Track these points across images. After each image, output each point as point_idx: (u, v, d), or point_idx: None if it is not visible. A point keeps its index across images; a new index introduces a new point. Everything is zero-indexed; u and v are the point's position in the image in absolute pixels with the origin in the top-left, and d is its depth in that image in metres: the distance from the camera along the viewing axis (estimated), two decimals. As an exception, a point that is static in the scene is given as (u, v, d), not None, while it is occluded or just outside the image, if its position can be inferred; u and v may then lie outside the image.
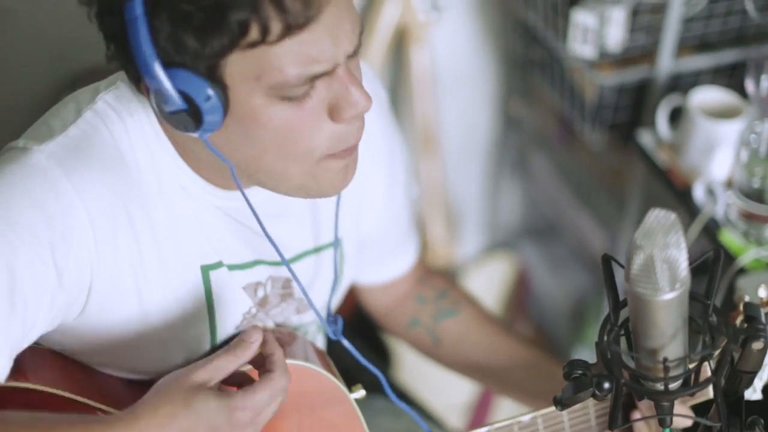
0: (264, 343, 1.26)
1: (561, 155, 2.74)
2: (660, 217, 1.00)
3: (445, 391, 2.39)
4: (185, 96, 1.11)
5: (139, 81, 1.17)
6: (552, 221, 2.97)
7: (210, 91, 1.11)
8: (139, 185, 1.23)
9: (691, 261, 1.01)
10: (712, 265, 1.08)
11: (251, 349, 1.25)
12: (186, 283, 1.30)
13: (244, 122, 1.15)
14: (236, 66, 1.11)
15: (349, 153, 1.24)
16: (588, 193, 2.64)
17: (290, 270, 1.32)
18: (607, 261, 1.10)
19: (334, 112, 1.17)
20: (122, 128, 1.23)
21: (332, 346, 1.63)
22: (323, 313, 1.50)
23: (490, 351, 1.63)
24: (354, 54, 1.18)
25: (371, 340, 2.38)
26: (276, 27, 1.07)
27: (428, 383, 2.35)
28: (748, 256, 1.79)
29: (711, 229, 1.87)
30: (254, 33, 1.08)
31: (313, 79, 1.13)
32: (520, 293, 3.03)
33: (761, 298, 1.28)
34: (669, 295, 1.00)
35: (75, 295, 1.20)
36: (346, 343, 1.44)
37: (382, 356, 2.51)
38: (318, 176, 1.22)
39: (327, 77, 1.15)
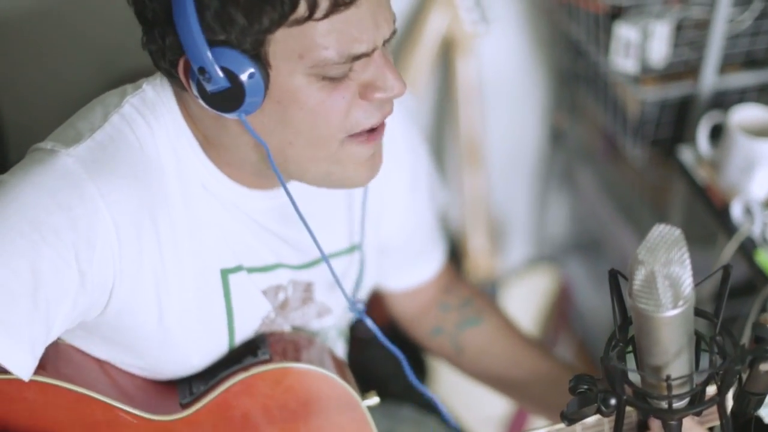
0: None
1: (606, 170, 2.72)
2: (664, 233, 0.99)
3: (481, 404, 2.38)
4: (228, 74, 1.13)
5: (175, 67, 1.18)
6: (596, 236, 2.95)
7: (253, 69, 1.13)
8: (164, 190, 1.24)
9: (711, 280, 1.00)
10: (721, 283, 1.06)
11: None
12: (205, 287, 1.31)
13: (282, 103, 1.17)
14: (280, 44, 1.13)
15: (373, 137, 1.25)
16: (631, 209, 2.62)
17: (328, 263, 1.34)
18: (614, 276, 1.09)
19: (367, 92, 1.20)
20: (148, 132, 1.24)
21: (354, 355, 1.63)
22: (346, 306, 1.51)
23: (512, 362, 1.63)
24: (389, 39, 1.20)
25: (406, 351, 2.37)
26: (324, 2, 1.10)
27: (465, 396, 2.34)
28: (782, 277, 1.77)
29: (747, 248, 1.84)
30: (302, 9, 1.10)
31: (354, 59, 1.16)
32: (563, 307, 3.01)
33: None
34: (671, 312, 0.99)
35: (97, 297, 1.21)
36: (369, 322, 1.45)
37: (418, 369, 2.50)
38: (344, 162, 1.24)
39: (365, 59, 1.17)
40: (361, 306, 1.49)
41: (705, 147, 2.04)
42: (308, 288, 1.45)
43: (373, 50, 1.17)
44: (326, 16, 1.11)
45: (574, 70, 2.54)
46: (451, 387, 2.44)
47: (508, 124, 2.76)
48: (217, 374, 1.35)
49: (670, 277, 0.97)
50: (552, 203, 2.98)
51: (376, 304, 1.69)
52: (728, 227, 1.90)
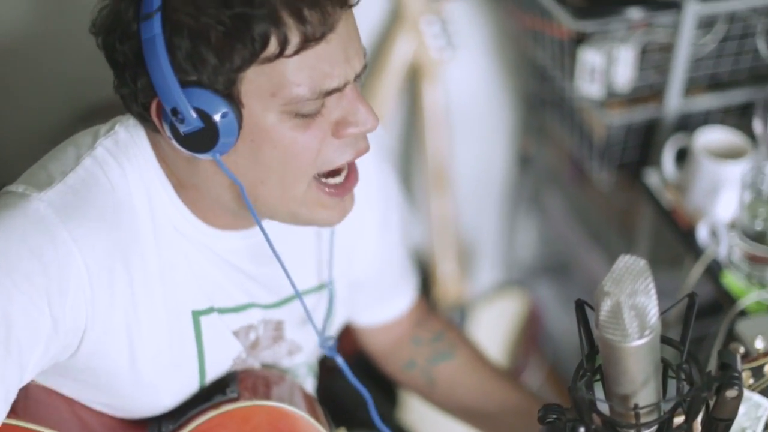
0: None
1: (573, 194, 2.73)
2: (629, 264, 0.99)
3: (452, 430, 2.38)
4: (202, 114, 1.13)
5: (147, 110, 1.18)
6: (565, 259, 2.96)
7: (226, 109, 1.13)
8: (136, 232, 1.23)
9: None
10: (686, 310, 1.07)
11: None
12: (176, 329, 1.31)
13: (255, 141, 1.17)
14: (252, 83, 1.13)
15: (341, 192, 1.26)
16: (599, 232, 2.63)
17: (302, 300, 1.34)
18: (581, 306, 1.09)
19: (339, 128, 1.20)
20: (120, 174, 1.23)
21: (325, 384, 1.63)
22: (316, 342, 1.50)
23: (483, 395, 1.63)
24: (360, 74, 1.20)
25: (377, 380, 2.37)
26: (294, 39, 1.11)
27: (436, 424, 2.34)
28: (749, 298, 1.78)
29: (714, 270, 1.85)
30: (273, 46, 1.11)
31: (326, 95, 1.16)
32: (532, 330, 3.01)
33: (758, 350, 1.27)
34: (638, 342, 0.99)
35: (69, 340, 1.20)
36: (339, 360, 1.45)
37: (389, 396, 2.50)
38: (310, 205, 1.25)
39: (337, 94, 1.18)
40: (331, 343, 1.48)
41: (671, 170, 2.05)
42: (279, 326, 1.44)
43: (345, 85, 1.17)
44: (297, 52, 1.11)
45: (541, 95, 2.56)
46: (423, 415, 2.44)
47: (475, 150, 2.77)
48: (187, 413, 1.34)
49: (636, 307, 0.97)
50: (520, 227, 2.99)
51: (344, 335, 1.69)
52: (694, 250, 1.91)
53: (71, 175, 1.21)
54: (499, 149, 2.84)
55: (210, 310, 1.33)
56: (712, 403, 1.08)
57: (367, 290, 1.61)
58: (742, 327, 1.68)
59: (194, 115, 1.13)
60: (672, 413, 1.08)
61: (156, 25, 1.10)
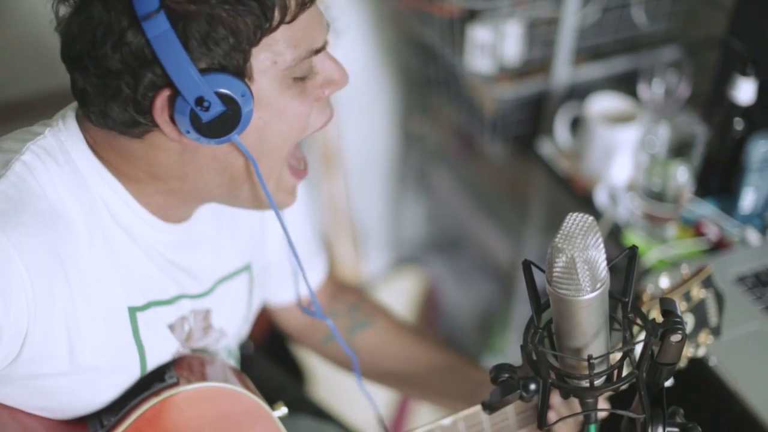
0: None
1: (462, 169, 2.78)
2: (578, 221, 1.03)
3: (361, 404, 2.40)
4: (224, 98, 1.13)
5: (147, 113, 1.16)
6: (456, 234, 3.01)
7: (244, 87, 1.14)
8: (70, 234, 1.22)
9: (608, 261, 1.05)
10: (628, 263, 1.11)
11: None
12: (114, 327, 1.29)
13: (262, 118, 1.19)
14: (258, 57, 1.15)
15: (302, 174, 1.32)
16: (490, 204, 2.69)
17: (250, 273, 1.34)
18: (528, 266, 1.12)
19: (324, 87, 1.24)
20: (49, 179, 1.21)
21: (244, 369, 1.65)
22: (239, 327, 1.53)
23: (406, 359, 1.66)
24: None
25: (285, 358, 2.39)
26: (292, 4, 1.14)
27: (344, 398, 2.36)
28: (652, 256, 1.85)
29: (614, 232, 1.92)
30: (276, 14, 1.13)
31: (315, 53, 1.20)
32: (429, 307, 3.05)
33: (662, 289, 1.34)
34: (591, 295, 1.03)
35: (11, 347, 1.18)
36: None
37: (296, 374, 2.52)
38: (278, 185, 1.28)
39: (320, 55, 1.22)
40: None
41: (565, 138, 2.11)
42: (207, 316, 1.45)
43: (324, 45, 1.21)
44: (295, 17, 1.14)
45: (426, 73, 2.60)
46: (330, 390, 2.47)
47: (363, 131, 2.80)
48: (127, 404, 1.33)
49: (588, 261, 1.02)
50: (409, 205, 3.03)
51: (258, 318, 1.70)
52: (594, 214, 1.96)
53: (2, 180, 1.19)
54: (384, 130, 2.88)
55: (146, 306, 1.33)
56: (656, 349, 1.13)
57: (279, 269, 1.63)
58: (648, 282, 1.75)
59: (218, 99, 1.13)
60: (622, 361, 1.13)
61: (162, 21, 1.09)
